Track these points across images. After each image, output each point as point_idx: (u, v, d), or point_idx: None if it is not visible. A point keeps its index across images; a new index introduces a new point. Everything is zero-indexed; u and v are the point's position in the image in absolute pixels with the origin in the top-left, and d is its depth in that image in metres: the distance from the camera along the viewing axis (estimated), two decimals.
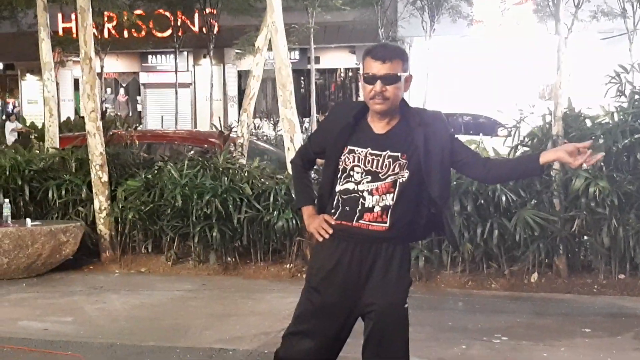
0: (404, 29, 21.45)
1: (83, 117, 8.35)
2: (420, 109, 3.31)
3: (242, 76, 26.14)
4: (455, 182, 6.75)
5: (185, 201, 7.29)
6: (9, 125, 21.13)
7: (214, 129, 8.90)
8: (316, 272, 3.25)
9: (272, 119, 16.84)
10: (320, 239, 3.23)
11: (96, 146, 7.79)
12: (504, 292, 6.66)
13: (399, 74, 3.09)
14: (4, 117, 28.18)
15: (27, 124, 21.59)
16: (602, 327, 5.61)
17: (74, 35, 17.98)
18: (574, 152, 3.02)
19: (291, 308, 3.28)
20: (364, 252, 3.15)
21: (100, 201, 7.77)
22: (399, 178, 3.12)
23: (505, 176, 3.64)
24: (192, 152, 8.23)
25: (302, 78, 26.07)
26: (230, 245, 7.47)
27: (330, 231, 3.19)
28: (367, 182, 3.12)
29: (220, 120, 9.02)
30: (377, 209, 3.12)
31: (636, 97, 6.90)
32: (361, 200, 3.12)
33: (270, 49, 8.18)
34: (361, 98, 3.27)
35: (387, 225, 3.12)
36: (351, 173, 3.15)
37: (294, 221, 6.99)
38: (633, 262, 6.69)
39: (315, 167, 3.63)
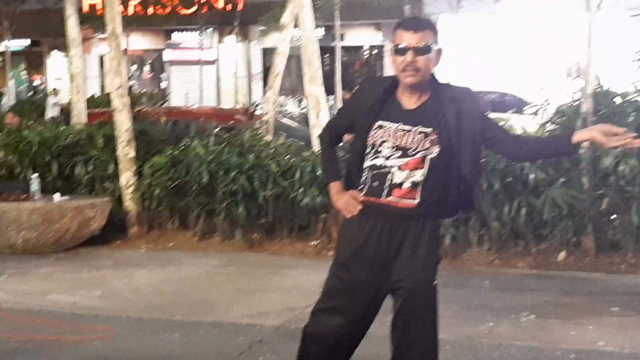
0: (430, 6, 21.22)
1: (108, 94, 8.39)
2: (451, 84, 3.25)
3: (267, 53, 26.05)
4: (482, 160, 6.69)
5: (211, 178, 7.31)
6: (51, 100, 21.07)
7: (240, 106, 8.91)
8: (345, 249, 3.22)
9: (296, 96, 16.79)
10: (349, 216, 3.21)
11: (123, 122, 7.82)
12: (530, 271, 6.62)
13: (430, 45, 3.06)
14: (32, 93, 28.38)
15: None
16: (630, 306, 5.56)
17: (99, 12, 18.03)
18: (609, 133, 2.96)
19: (316, 285, 3.28)
20: (393, 229, 3.11)
21: (127, 177, 7.82)
22: (429, 154, 3.08)
23: (536, 154, 3.59)
24: (218, 128, 8.22)
25: (327, 55, 25.93)
26: (256, 222, 7.49)
27: (359, 208, 3.16)
28: (397, 157, 3.08)
29: (245, 97, 9.03)
30: (406, 184, 3.08)
31: None
32: (389, 175, 3.09)
33: (296, 25, 8.15)
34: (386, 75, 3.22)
35: (417, 201, 3.09)
36: (380, 149, 3.10)
37: (320, 198, 6.99)
38: None
39: (341, 143, 3.58)
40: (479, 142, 3.17)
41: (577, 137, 3.04)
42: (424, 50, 3.03)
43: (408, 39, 3.04)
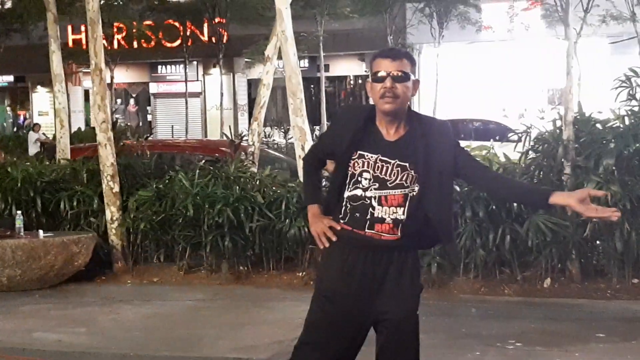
0: (412, 36, 21.45)
1: (94, 128, 8.40)
2: (426, 117, 3.26)
3: (252, 85, 26.21)
4: (466, 188, 6.75)
5: (197, 210, 7.31)
6: (33, 136, 21.08)
7: (225, 138, 8.92)
8: (328, 281, 3.19)
9: (282, 127, 16.87)
10: (321, 246, 3.21)
11: (107, 157, 7.82)
12: (517, 298, 6.64)
13: (408, 72, 3.08)
14: (15, 129, 28.34)
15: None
16: (616, 332, 5.58)
17: (84, 47, 18.08)
18: (586, 200, 2.92)
19: (304, 317, 3.26)
20: (376, 260, 3.11)
21: (111, 211, 7.80)
22: (410, 192, 3.08)
23: (512, 199, 3.64)
24: (203, 161, 8.23)
25: (312, 86, 26.09)
26: (243, 254, 7.49)
27: (334, 239, 3.15)
28: (375, 189, 3.07)
29: (230, 129, 9.04)
30: (388, 220, 3.07)
31: None
32: (370, 209, 3.08)
33: (280, 57, 8.21)
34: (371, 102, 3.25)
35: (399, 236, 3.09)
36: (359, 179, 3.10)
37: (306, 229, 6.99)
38: None
39: (324, 167, 3.59)
40: (448, 178, 3.14)
41: (554, 199, 3.00)
42: (402, 77, 3.06)
43: (386, 66, 3.07)
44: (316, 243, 3.27)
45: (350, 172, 3.12)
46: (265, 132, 14.51)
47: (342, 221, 3.14)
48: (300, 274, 7.32)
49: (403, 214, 3.07)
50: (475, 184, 3.34)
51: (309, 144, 7.53)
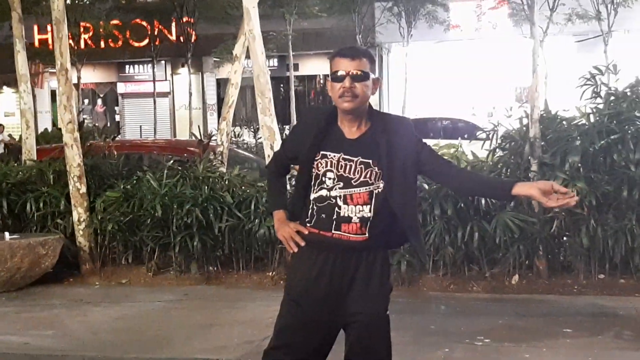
0: (381, 35, 21.53)
1: (60, 129, 8.30)
2: (387, 114, 3.28)
3: (221, 84, 26.10)
4: (435, 187, 6.79)
5: (165, 211, 7.26)
6: None
7: (194, 138, 8.88)
8: (297, 284, 3.18)
9: (252, 127, 16.82)
10: (290, 251, 3.20)
11: (74, 157, 7.74)
12: (485, 295, 6.69)
13: (367, 72, 3.09)
14: None
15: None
16: (583, 327, 5.65)
17: (50, 47, 17.86)
18: (549, 191, 2.95)
19: (274, 316, 3.25)
20: (345, 262, 3.10)
21: (78, 213, 7.72)
22: (375, 189, 3.08)
23: (476, 193, 3.66)
24: (171, 161, 8.18)
25: (282, 85, 26.07)
26: (212, 255, 7.45)
27: (302, 243, 3.15)
28: (340, 188, 3.07)
29: (199, 129, 9.00)
30: (355, 220, 3.06)
31: (612, 98, 6.96)
32: (336, 208, 3.07)
33: (248, 56, 8.18)
34: None
35: (367, 236, 3.09)
36: (323, 179, 3.10)
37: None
38: (612, 262, 6.75)
39: (288, 174, 3.59)
40: (411, 174, 3.15)
41: (517, 190, 3.02)
42: (361, 77, 3.06)
43: (345, 65, 3.06)
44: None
45: (314, 173, 3.12)
46: (234, 132, 14.45)
47: (308, 224, 3.13)
48: (270, 273, 7.31)
49: (370, 211, 3.07)
50: (438, 180, 3.35)
51: (278, 143, 7.52)
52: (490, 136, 7.34)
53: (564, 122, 7.14)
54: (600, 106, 6.99)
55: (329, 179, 3.09)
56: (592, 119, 6.93)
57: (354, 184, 3.07)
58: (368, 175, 3.08)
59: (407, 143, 3.13)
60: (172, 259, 7.56)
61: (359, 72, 3.06)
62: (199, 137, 8.36)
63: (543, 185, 2.98)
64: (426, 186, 6.88)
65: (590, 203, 6.52)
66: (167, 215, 7.27)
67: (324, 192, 3.10)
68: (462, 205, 6.78)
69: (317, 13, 20.52)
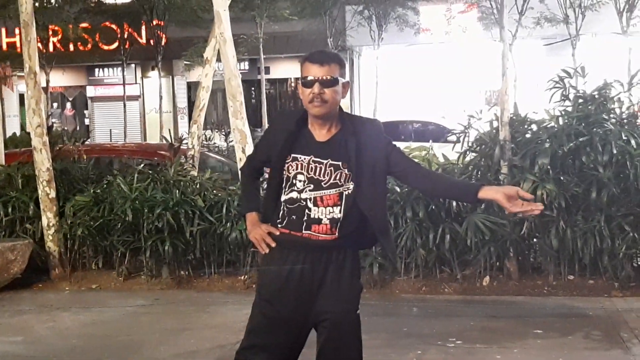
0: (352, 38, 21.59)
1: (29, 133, 8.20)
2: (357, 116, 3.30)
3: (192, 88, 25.99)
4: (406, 189, 6.81)
5: (136, 215, 7.20)
6: None
7: (164, 142, 8.83)
8: (268, 284, 3.21)
9: (223, 130, 16.77)
10: (262, 252, 3.21)
11: (43, 162, 7.65)
12: (457, 296, 6.73)
13: (337, 77, 3.10)
14: None
15: None
16: (553, 328, 5.70)
17: (18, 50, 17.66)
18: (513, 197, 2.98)
19: (246, 320, 3.26)
20: (315, 261, 3.13)
21: (48, 218, 7.63)
22: (345, 191, 3.11)
23: (445, 195, 3.71)
24: (142, 165, 8.12)
25: (253, 88, 26.03)
26: (183, 259, 7.41)
27: (273, 244, 3.16)
28: (310, 190, 3.10)
29: (170, 132, 8.96)
30: (325, 221, 3.09)
31: (580, 101, 7.04)
32: (306, 210, 3.10)
33: (219, 60, 8.15)
34: None
35: (337, 235, 3.11)
36: (294, 181, 3.12)
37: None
38: (581, 263, 6.83)
39: (261, 177, 3.60)
40: (380, 176, 3.17)
41: (483, 193, 3.05)
42: (330, 82, 3.08)
43: (315, 71, 3.08)
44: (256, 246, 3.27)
45: (285, 176, 3.14)
46: (205, 135, 14.38)
47: (279, 225, 3.16)
48: (242, 277, 7.29)
49: (340, 212, 3.10)
50: (407, 182, 3.38)
51: (249, 146, 7.49)
52: (462, 139, 7.38)
53: (534, 125, 7.21)
54: (569, 109, 7.06)
55: (300, 181, 3.11)
56: (561, 122, 7.00)
57: (324, 186, 3.10)
58: (338, 177, 3.10)
59: (377, 144, 3.16)
60: (143, 264, 7.51)
61: (328, 78, 3.08)
62: (170, 141, 8.32)
63: (508, 191, 3.01)
64: (398, 189, 6.91)
65: (560, 205, 6.59)
66: (137, 219, 7.22)
67: (294, 194, 3.12)
68: (433, 207, 6.82)
69: (288, 16, 20.52)
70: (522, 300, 6.55)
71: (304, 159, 3.12)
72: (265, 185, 3.30)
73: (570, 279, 6.88)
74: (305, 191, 3.10)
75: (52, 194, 7.65)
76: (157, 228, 7.18)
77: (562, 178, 6.74)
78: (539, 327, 5.71)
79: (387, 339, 5.45)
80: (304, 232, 3.10)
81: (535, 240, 7.08)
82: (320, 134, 3.16)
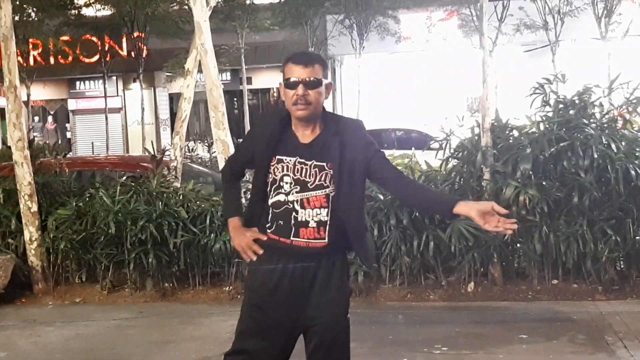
0: (334, 47, 21.64)
1: (10, 147, 8.14)
2: (339, 116, 3.27)
3: (174, 99, 25.94)
4: (390, 197, 6.82)
5: (119, 228, 7.16)
6: None
7: (147, 153, 8.81)
8: (257, 289, 3.19)
9: (205, 141, 16.74)
10: (248, 260, 3.19)
11: (24, 176, 7.60)
12: (442, 303, 6.74)
13: (320, 78, 3.09)
14: None
15: None
16: (538, 333, 5.72)
17: None
18: (488, 213, 2.93)
19: (231, 331, 3.24)
20: (305, 267, 3.12)
21: (30, 232, 7.58)
22: (331, 192, 3.09)
23: (420, 206, 3.70)
24: (124, 177, 8.08)
25: (235, 99, 26.03)
26: (167, 271, 7.37)
27: (260, 252, 3.15)
28: (297, 192, 3.08)
29: (152, 144, 8.94)
30: (312, 224, 3.08)
31: (560, 106, 7.09)
32: (293, 213, 3.08)
33: (200, 70, 8.15)
34: None
35: (326, 241, 3.10)
36: (281, 184, 3.10)
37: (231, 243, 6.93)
38: (565, 267, 6.86)
39: (243, 177, 3.57)
40: (359, 177, 3.13)
41: (457, 209, 2.98)
42: (314, 84, 3.07)
43: (298, 72, 3.07)
44: (242, 257, 3.25)
45: (271, 179, 3.12)
46: (188, 146, 14.36)
47: (269, 230, 3.14)
48: (227, 288, 7.26)
49: (327, 215, 3.09)
50: (388, 188, 3.37)
51: None
52: (444, 146, 7.41)
53: (515, 131, 7.25)
54: (550, 114, 7.10)
55: (287, 183, 3.10)
56: (542, 127, 7.04)
57: (310, 187, 3.09)
58: (323, 178, 3.09)
59: (359, 146, 3.13)
60: (127, 276, 7.46)
61: (312, 79, 3.06)
62: (153, 153, 8.29)
63: (483, 207, 2.95)
64: (381, 197, 6.92)
65: (542, 210, 6.62)
66: (120, 232, 7.18)
67: (281, 197, 3.10)
68: (417, 214, 6.83)
69: (269, 26, 20.55)
70: (507, 306, 6.57)
71: (290, 160, 3.11)
72: (250, 188, 3.28)
73: (554, 283, 6.91)
74: (292, 193, 3.09)
75: (34, 208, 7.60)
76: (140, 240, 7.15)
77: (544, 183, 6.78)
78: (524, 332, 5.73)
79: (373, 347, 5.45)
80: (292, 239, 3.09)
81: (518, 245, 7.11)
82: (304, 135, 3.14)
